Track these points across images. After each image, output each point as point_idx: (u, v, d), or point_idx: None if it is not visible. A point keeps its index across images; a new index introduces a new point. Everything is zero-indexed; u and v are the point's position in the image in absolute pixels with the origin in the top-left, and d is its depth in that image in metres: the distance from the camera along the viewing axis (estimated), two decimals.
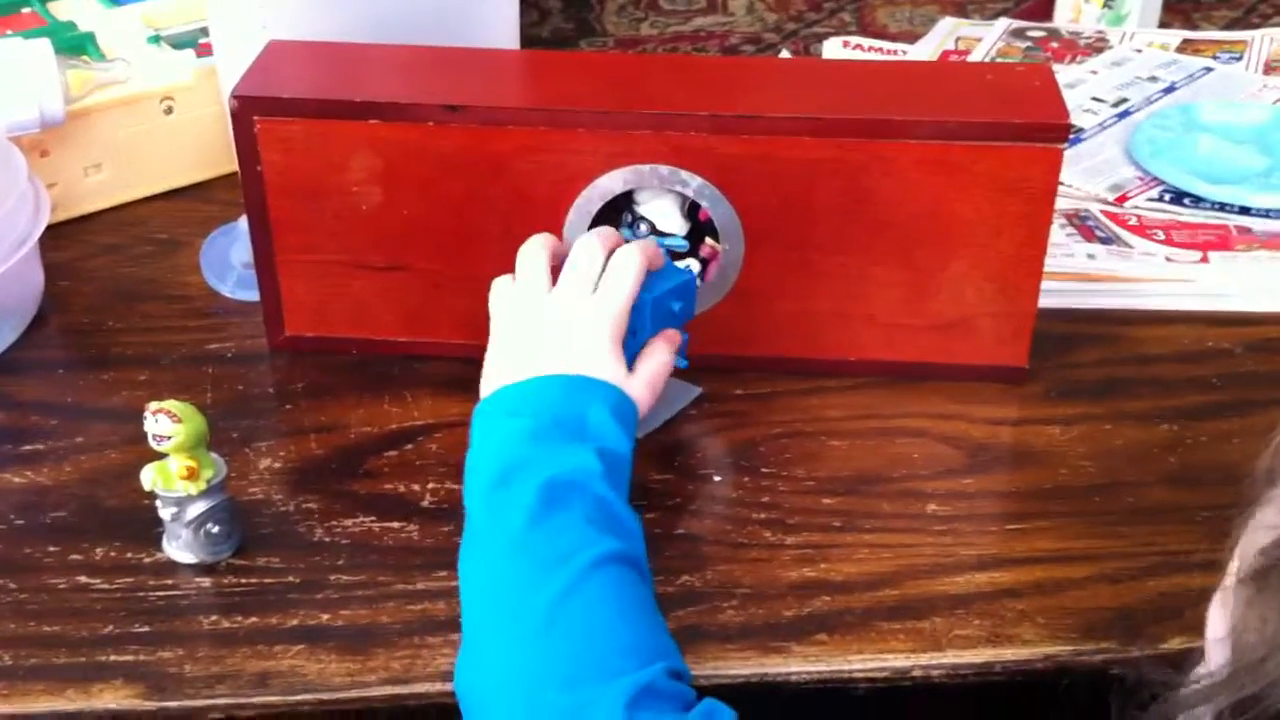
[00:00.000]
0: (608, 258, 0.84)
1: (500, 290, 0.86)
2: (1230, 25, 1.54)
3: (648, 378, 0.84)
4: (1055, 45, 1.44)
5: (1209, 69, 1.38)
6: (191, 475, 0.80)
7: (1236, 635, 0.57)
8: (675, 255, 0.95)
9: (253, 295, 1.01)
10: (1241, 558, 0.59)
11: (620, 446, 0.78)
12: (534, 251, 0.86)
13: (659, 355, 0.85)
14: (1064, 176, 0.94)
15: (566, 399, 0.79)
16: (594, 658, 0.68)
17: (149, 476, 0.81)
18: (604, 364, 0.81)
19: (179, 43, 1.21)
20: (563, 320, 0.83)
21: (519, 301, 0.85)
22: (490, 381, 0.82)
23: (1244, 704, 0.54)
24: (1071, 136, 1.02)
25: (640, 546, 0.75)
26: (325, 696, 0.76)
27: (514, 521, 0.73)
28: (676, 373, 0.88)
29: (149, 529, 0.84)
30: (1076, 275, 1.07)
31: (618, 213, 0.95)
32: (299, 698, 0.76)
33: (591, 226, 0.93)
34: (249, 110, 0.92)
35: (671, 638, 0.72)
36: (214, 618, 0.80)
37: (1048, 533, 0.86)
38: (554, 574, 0.70)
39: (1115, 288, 1.06)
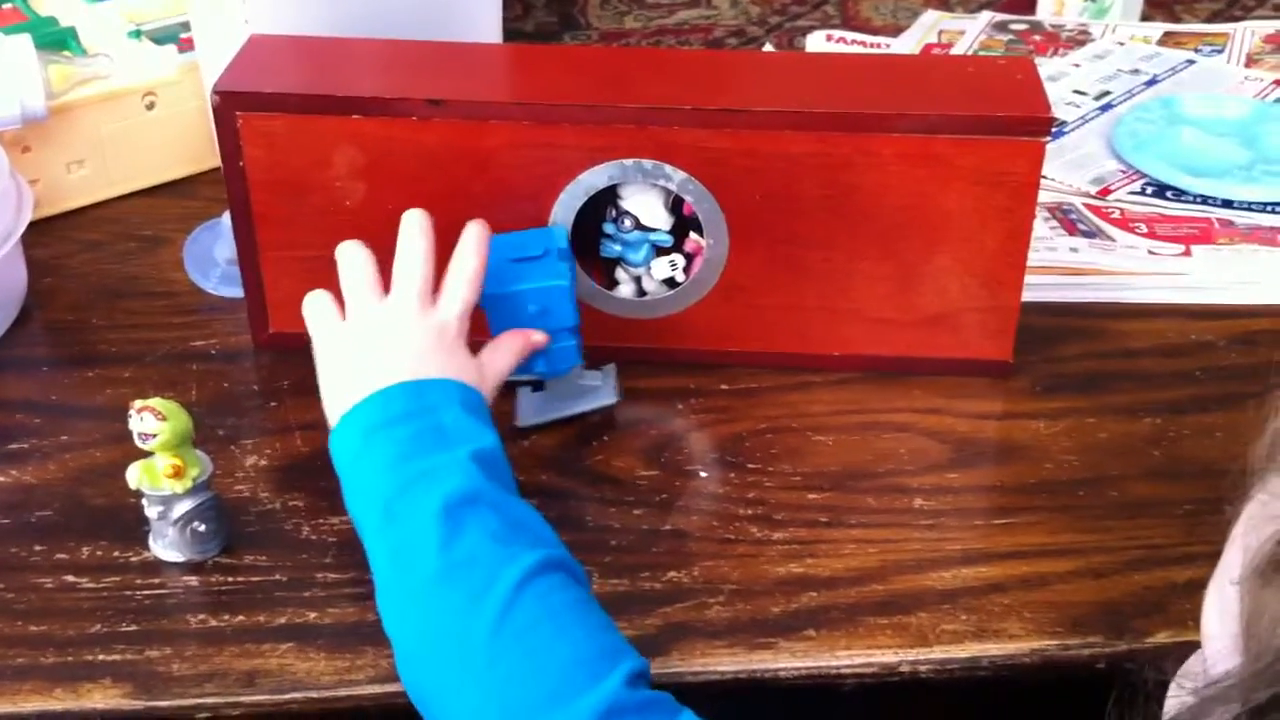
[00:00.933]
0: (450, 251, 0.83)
1: (320, 307, 0.83)
2: (1212, 18, 1.55)
3: (492, 376, 0.82)
4: (1038, 38, 1.44)
5: (1191, 62, 1.39)
6: (177, 473, 0.80)
7: (1252, 631, 0.53)
8: (660, 250, 0.95)
9: (237, 291, 1.01)
10: (1246, 550, 0.55)
11: (486, 441, 0.75)
12: (356, 260, 0.83)
13: (502, 356, 0.84)
14: (1046, 170, 0.94)
15: (412, 407, 0.76)
16: (546, 684, 0.65)
17: (134, 475, 0.81)
18: (444, 364, 0.79)
19: (161, 38, 1.21)
20: (395, 328, 0.80)
21: (347, 318, 0.82)
22: (334, 407, 0.79)
23: (1271, 704, 0.51)
24: (1054, 130, 1.02)
25: (552, 539, 0.73)
26: (314, 695, 0.76)
27: (423, 559, 0.70)
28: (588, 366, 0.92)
29: (135, 528, 0.84)
30: (1060, 269, 1.07)
31: (601, 207, 0.95)
32: (287, 696, 0.76)
33: (576, 222, 0.93)
34: (231, 105, 0.92)
35: (618, 633, 0.70)
36: (201, 616, 0.80)
37: (1033, 527, 0.86)
38: (480, 607, 0.67)
39: (1098, 281, 1.07)
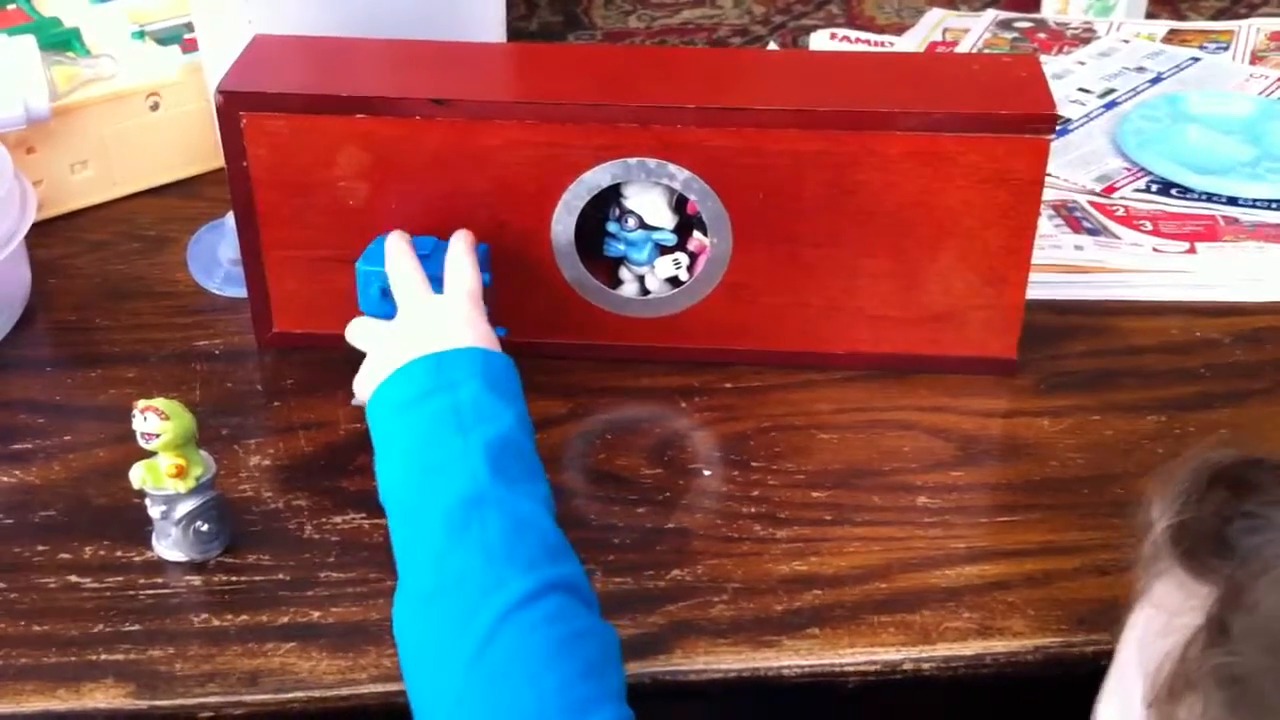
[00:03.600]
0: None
1: (369, 324, 0.88)
2: (1218, 15, 1.54)
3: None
4: (1042, 36, 1.44)
5: (1196, 59, 1.38)
6: (180, 473, 0.80)
7: None
8: (664, 249, 0.95)
9: (241, 292, 1.01)
10: (1145, 674, 0.53)
11: (502, 423, 0.75)
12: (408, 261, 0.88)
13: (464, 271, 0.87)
14: (1051, 168, 0.94)
15: (432, 384, 0.77)
16: None
17: (138, 474, 0.81)
18: (463, 332, 0.81)
19: (164, 38, 1.21)
20: (425, 315, 0.84)
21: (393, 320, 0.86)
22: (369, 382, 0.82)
23: None
24: (1059, 127, 1.02)
25: (555, 546, 0.71)
26: (316, 694, 0.76)
27: (421, 572, 0.70)
28: None
29: (138, 527, 0.84)
30: (1064, 266, 1.07)
31: (605, 206, 0.95)
32: (290, 696, 0.76)
33: (579, 221, 0.93)
34: (235, 105, 0.92)
35: (600, 679, 0.66)
36: (204, 616, 0.80)
37: (1037, 525, 0.86)
38: (462, 637, 0.66)
39: (1103, 279, 1.06)
